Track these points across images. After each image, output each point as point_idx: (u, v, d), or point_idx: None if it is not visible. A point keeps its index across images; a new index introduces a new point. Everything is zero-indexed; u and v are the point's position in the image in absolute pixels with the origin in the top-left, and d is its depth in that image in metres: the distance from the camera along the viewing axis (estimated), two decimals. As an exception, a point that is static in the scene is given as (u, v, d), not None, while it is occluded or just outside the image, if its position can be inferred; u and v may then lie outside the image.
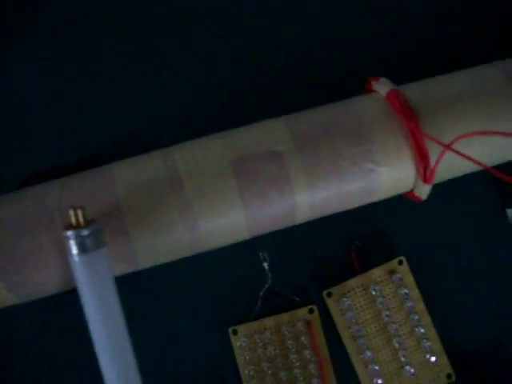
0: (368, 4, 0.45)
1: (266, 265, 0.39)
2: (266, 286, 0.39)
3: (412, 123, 0.33)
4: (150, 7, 0.45)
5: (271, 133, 0.34)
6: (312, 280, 0.40)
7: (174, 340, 0.39)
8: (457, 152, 0.32)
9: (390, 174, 0.34)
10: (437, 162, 0.33)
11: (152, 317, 0.39)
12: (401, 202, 0.38)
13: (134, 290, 0.35)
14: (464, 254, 0.40)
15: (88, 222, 0.30)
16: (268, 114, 0.36)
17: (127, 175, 0.33)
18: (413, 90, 0.35)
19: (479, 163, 0.33)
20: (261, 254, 0.39)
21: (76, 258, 0.30)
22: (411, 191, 0.36)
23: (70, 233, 0.30)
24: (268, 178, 0.33)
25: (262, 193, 0.33)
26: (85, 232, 0.30)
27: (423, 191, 0.35)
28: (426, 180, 0.34)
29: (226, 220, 0.33)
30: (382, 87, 0.35)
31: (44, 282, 0.33)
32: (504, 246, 0.40)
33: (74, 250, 0.30)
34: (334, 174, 0.34)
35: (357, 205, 0.36)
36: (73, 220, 0.30)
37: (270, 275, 0.39)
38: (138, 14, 0.45)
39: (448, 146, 0.32)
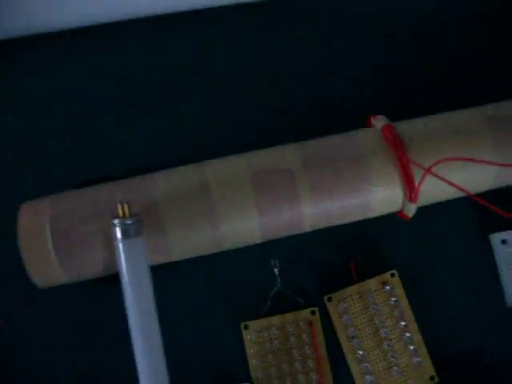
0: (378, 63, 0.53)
1: (276, 270, 0.45)
2: (275, 289, 0.45)
3: (400, 151, 0.40)
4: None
5: (285, 155, 0.41)
6: (315, 286, 0.45)
7: (194, 331, 0.44)
8: (436, 175, 0.39)
9: (382, 194, 0.41)
10: (419, 183, 0.39)
11: (175, 311, 0.44)
12: (395, 224, 0.45)
13: (161, 288, 0.40)
14: (449, 270, 0.45)
15: (131, 215, 0.38)
16: (283, 141, 0.43)
17: (166, 182, 0.41)
18: (405, 126, 0.42)
19: (455, 186, 0.39)
20: (272, 261, 0.45)
21: (119, 242, 0.37)
22: (401, 210, 0.42)
23: (116, 221, 0.37)
24: (280, 191, 0.40)
25: (275, 202, 0.40)
26: (128, 221, 0.37)
27: (410, 210, 0.41)
28: (411, 199, 0.40)
29: (243, 223, 0.40)
30: (379, 122, 0.42)
31: (92, 265, 0.40)
32: (485, 264, 0.45)
33: (119, 235, 0.37)
34: (334, 191, 0.40)
35: (354, 219, 0.42)
36: (119, 212, 0.38)
37: (279, 279, 0.45)
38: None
39: (428, 170, 0.39)
